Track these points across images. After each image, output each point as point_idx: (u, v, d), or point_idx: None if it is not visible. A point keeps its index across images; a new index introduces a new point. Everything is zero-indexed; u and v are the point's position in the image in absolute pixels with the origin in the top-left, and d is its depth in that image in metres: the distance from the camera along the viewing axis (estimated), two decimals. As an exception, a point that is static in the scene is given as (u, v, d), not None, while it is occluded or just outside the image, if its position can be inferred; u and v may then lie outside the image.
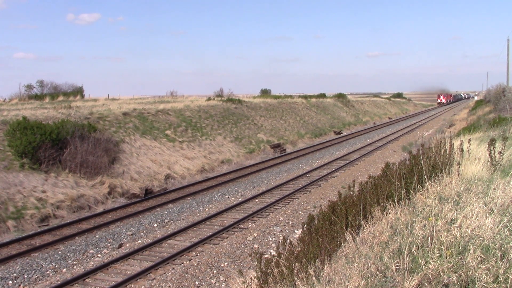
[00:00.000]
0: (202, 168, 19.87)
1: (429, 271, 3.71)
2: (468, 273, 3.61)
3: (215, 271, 8.94)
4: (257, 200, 14.47)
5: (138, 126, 20.83)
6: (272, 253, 6.43)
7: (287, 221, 12.25)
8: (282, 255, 4.70)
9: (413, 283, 3.58)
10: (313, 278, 4.18)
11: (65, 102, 25.67)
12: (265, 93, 59.71)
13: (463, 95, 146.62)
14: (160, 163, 18.44)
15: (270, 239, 10.82)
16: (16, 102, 26.58)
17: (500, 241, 4.14)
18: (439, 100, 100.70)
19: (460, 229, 4.45)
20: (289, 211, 13.18)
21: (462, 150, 8.62)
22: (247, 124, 29.34)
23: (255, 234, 11.13)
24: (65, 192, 13.78)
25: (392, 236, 4.81)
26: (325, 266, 4.45)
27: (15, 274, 8.84)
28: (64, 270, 9.22)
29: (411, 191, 6.60)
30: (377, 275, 3.86)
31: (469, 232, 4.38)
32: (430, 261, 3.87)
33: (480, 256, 3.81)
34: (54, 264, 9.41)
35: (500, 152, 7.80)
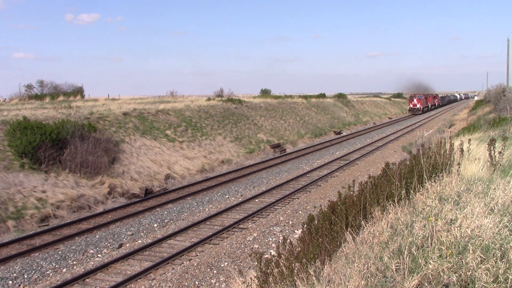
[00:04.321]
0: (202, 168, 19.87)
1: (429, 271, 3.71)
2: (468, 273, 3.61)
3: (215, 271, 8.94)
4: (257, 200, 14.47)
5: (138, 126, 20.82)
6: (272, 253, 6.43)
7: (287, 221, 12.25)
8: (282, 255, 4.70)
9: (413, 283, 3.58)
10: (313, 278, 4.18)
11: (65, 102, 25.67)
12: (265, 93, 59.74)
13: (458, 96, 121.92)
14: (160, 163, 18.44)
15: (270, 239, 10.82)
16: (16, 102, 26.58)
17: (500, 241, 4.14)
18: (411, 105, 63.57)
19: (460, 229, 4.46)
20: (289, 211, 13.18)
21: (462, 150, 8.63)
22: (247, 124, 29.34)
23: (255, 234, 11.13)
24: (65, 192, 13.78)
25: (392, 236, 4.81)
26: (325, 266, 4.45)
27: (15, 274, 8.84)
28: (64, 270, 9.22)
29: (411, 191, 6.61)
30: (377, 275, 3.86)
31: (469, 232, 4.38)
32: (430, 261, 3.87)
33: (480, 256, 3.81)
34: (54, 264, 9.41)
35: (500, 152, 7.80)
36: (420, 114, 61.66)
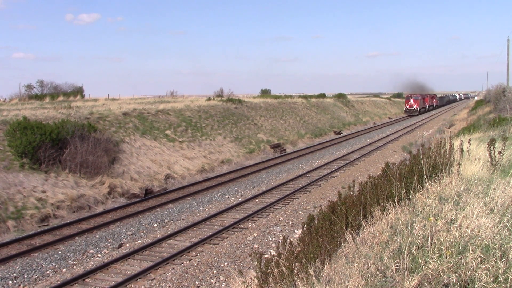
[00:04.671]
0: (202, 168, 19.87)
1: (429, 271, 3.71)
2: (468, 273, 3.62)
3: (215, 271, 8.94)
4: (257, 200, 14.47)
5: (138, 126, 20.83)
6: (272, 253, 6.43)
7: (287, 221, 12.25)
8: (282, 255, 4.70)
9: (413, 283, 3.58)
10: (313, 278, 4.18)
11: (65, 102, 25.67)
12: (265, 93, 59.77)
13: (457, 96, 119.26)
14: (160, 163, 18.44)
15: (270, 239, 10.82)
16: (16, 102, 26.57)
17: (500, 241, 4.14)
18: (407, 106, 61.02)
19: (460, 229, 4.46)
20: (289, 211, 13.18)
21: (462, 150, 8.63)
22: (247, 124, 29.34)
23: (255, 234, 11.14)
24: (65, 192, 13.78)
25: (392, 236, 4.81)
26: (325, 266, 4.45)
27: (15, 274, 8.85)
28: (64, 270, 9.22)
29: (411, 191, 6.61)
30: (377, 275, 3.86)
31: (469, 232, 4.38)
32: (430, 261, 3.87)
33: (480, 256, 3.81)
34: (54, 264, 9.41)
35: (500, 152, 7.81)
36: (417, 115, 58.60)
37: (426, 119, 51.96)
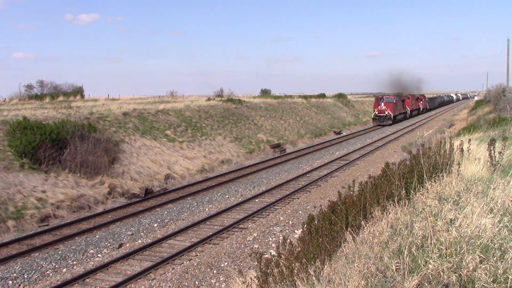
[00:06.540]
0: (202, 168, 19.87)
1: (429, 271, 3.72)
2: (467, 273, 3.62)
3: (215, 271, 8.95)
4: (257, 200, 14.47)
5: (138, 126, 20.83)
6: (272, 253, 6.44)
7: (287, 221, 12.25)
8: (282, 255, 4.70)
9: (413, 283, 3.59)
10: (313, 278, 4.18)
11: (65, 102, 25.68)
12: (265, 93, 59.83)
13: (454, 96, 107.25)
14: (160, 163, 18.44)
15: (270, 239, 10.83)
16: (16, 102, 26.59)
17: (500, 241, 4.15)
18: (376, 112, 43.67)
19: (459, 229, 4.46)
20: (289, 211, 13.18)
21: (462, 150, 8.63)
22: (247, 124, 29.35)
23: (255, 234, 11.14)
24: (65, 192, 13.78)
25: (392, 236, 4.81)
26: (325, 266, 4.45)
27: (15, 274, 8.85)
28: (64, 270, 9.22)
29: (411, 191, 6.61)
30: (377, 275, 3.86)
31: (468, 232, 4.38)
32: (430, 261, 3.88)
33: (480, 256, 3.81)
34: (54, 264, 9.41)
35: (500, 152, 7.81)
36: (390, 124, 42.44)
37: (426, 119, 51.92)
